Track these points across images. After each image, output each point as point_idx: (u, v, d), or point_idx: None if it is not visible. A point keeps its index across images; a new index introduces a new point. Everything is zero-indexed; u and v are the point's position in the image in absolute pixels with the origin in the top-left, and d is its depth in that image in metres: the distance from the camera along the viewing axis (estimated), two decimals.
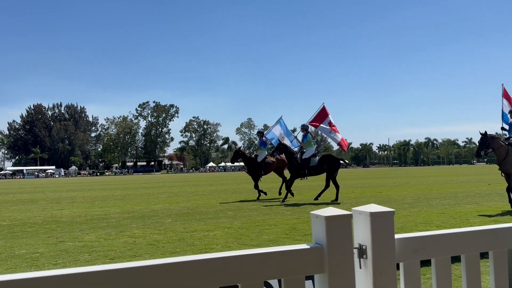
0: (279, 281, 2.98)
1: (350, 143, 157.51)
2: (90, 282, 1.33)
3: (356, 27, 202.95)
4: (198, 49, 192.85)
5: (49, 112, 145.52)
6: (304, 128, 15.85)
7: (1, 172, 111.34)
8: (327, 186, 15.21)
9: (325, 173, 15.23)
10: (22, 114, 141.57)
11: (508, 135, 12.04)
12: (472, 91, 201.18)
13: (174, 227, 9.47)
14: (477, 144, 11.74)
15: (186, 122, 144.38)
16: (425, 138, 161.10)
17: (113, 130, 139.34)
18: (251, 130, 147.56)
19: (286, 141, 17.31)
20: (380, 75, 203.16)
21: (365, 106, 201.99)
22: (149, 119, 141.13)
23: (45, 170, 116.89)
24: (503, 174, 11.45)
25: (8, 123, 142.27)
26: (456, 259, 1.90)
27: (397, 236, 1.72)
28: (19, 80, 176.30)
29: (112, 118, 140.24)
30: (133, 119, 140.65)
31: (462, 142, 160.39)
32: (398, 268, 1.72)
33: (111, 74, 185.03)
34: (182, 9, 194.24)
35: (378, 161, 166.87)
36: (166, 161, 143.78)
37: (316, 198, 15.05)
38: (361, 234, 1.69)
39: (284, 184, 16.72)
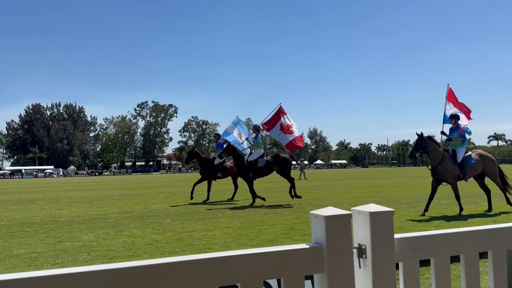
0: (279, 281, 2.98)
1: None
2: (88, 281, 1.33)
3: (355, 27, 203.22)
4: (197, 49, 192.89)
5: (47, 112, 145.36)
6: (256, 128, 15.54)
7: (0, 172, 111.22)
8: (291, 181, 14.82)
9: (277, 174, 14.96)
10: (20, 114, 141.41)
11: (446, 139, 11.50)
12: (472, 91, 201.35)
13: (173, 227, 9.47)
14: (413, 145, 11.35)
15: (185, 122, 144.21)
16: None
17: (112, 130, 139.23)
18: (250, 130, 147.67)
19: (243, 140, 16.72)
20: (379, 75, 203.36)
21: (364, 106, 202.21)
22: (148, 119, 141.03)
23: (43, 170, 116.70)
24: (433, 180, 11.03)
25: (6, 122, 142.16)
26: (455, 259, 1.90)
27: (396, 236, 1.72)
28: (17, 79, 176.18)
29: (110, 118, 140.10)
30: (131, 119, 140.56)
31: None
32: (397, 268, 1.73)
33: (109, 74, 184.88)
34: (181, 9, 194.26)
35: (377, 161, 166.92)
36: (165, 161, 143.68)
37: (293, 197, 14.58)
38: (361, 234, 1.69)
39: (250, 190, 15.06)
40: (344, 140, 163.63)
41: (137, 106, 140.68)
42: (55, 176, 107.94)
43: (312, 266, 1.60)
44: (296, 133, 15.40)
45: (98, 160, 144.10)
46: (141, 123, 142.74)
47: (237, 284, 1.54)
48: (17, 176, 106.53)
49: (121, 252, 6.89)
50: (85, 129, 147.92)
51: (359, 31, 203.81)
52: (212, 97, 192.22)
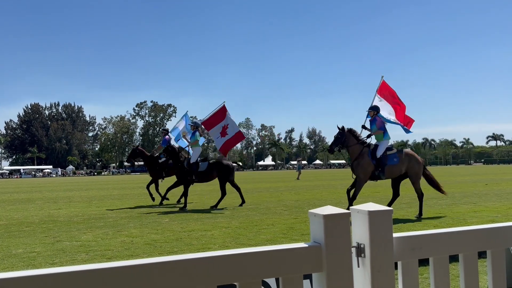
0: (277, 280, 2.98)
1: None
2: (87, 280, 1.33)
3: (355, 27, 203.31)
4: (196, 49, 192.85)
5: (46, 111, 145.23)
6: (195, 125, 14.34)
7: None
8: (223, 194, 13.65)
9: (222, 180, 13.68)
10: (19, 114, 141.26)
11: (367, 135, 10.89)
12: (471, 91, 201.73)
13: (171, 227, 9.46)
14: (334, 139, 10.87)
15: None
16: (423, 139, 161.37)
17: (111, 130, 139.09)
18: (249, 130, 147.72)
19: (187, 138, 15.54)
20: (378, 75, 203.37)
21: (363, 106, 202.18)
22: (147, 119, 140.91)
23: (42, 169, 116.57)
24: (353, 175, 10.73)
25: (5, 122, 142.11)
26: (454, 259, 1.90)
27: (395, 235, 1.71)
28: (16, 79, 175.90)
29: (109, 118, 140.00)
30: (130, 118, 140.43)
31: (460, 142, 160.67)
32: (396, 267, 1.72)
33: (108, 74, 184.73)
34: (181, 9, 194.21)
35: None
36: None
37: (213, 207, 13.21)
38: (359, 233, 1.69)
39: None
40: None
41: (136, 106, 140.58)
42: (54, 176, 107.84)
43: (310, 265, 1.59)
44: (231, 134, 14.23)
45: (97, 159, 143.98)
46: (140, 123, 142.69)
47: (236, 283, 1.53)
48: (15, 176, 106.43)
49: (120, 252, 6.88)
50: (83, 129, 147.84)
51: (358, 31, 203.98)
52: (211, 97, 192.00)
